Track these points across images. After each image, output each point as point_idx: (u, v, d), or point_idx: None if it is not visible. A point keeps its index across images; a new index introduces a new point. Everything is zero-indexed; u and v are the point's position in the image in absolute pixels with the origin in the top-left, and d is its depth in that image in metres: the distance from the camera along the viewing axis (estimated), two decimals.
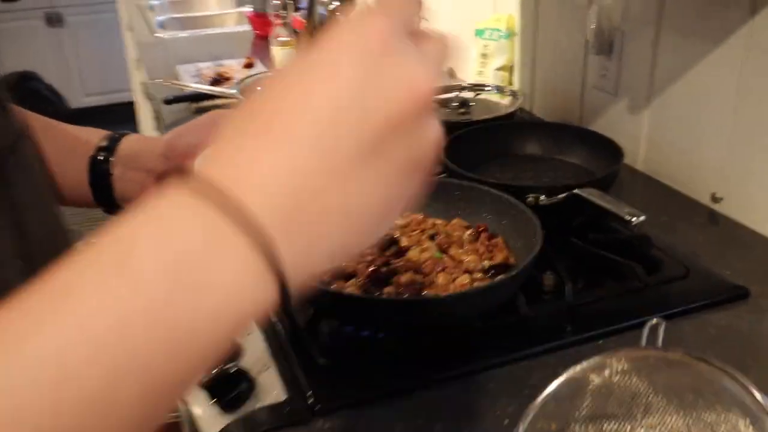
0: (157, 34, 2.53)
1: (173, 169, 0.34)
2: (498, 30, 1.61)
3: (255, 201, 0.30)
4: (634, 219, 0.83)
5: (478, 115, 1.36)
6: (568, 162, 1.22)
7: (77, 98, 4.69)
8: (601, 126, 1.37)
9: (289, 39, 1.84)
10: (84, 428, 0.27)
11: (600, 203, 0.89)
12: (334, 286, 0.90)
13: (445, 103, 1.43)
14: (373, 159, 0.32)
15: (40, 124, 0.70)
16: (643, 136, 1.27)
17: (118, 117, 4.34)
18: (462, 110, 1.39)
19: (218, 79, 1.89)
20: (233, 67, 2.02)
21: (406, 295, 0.86)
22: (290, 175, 0.31)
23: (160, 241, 0.29)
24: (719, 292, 0.91)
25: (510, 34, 1.60)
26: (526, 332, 0.86)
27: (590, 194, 0.92)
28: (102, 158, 0.71)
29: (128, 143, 0.73)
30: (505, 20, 1.60)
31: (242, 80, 1.33)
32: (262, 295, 0.31)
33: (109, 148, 0.72)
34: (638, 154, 1.28)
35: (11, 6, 4.35)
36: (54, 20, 4.45)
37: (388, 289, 0.88)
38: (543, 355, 0.83)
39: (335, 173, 0.32)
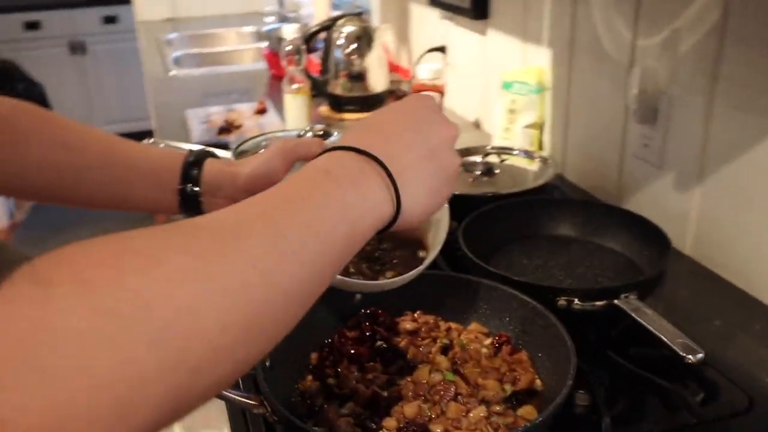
0: (171, 72, 2.43)
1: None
2: (527, 84, 1.46)
3: (388, 164, 0.53)
4: (690, 357, 0.68)
5: (504, 187, 1.22)
6: (605, 247, 1.07)
7: (98, 126, 4.64)
8: (642, 200, 1.22)
9: (302, 85, 1.71)
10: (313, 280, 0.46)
11: (648, 326, 0.74)
12: (325, 408, 0.76)
13: (468, 167, 1.29)
14: (429, 160, 0.57)
15: (106, 147, 0.80)
16: (693, 217, 1.11)
17: None
18: (485, 178, 1.25)
19: (226, 128, 1.77)
20: (244, 113, 1.90)
21: None
22: (400, 155, 0.55)
23: (343, 167, 0.52)
24: None
25: (541, 89, 1.46)
26: None
27: (635, 309, 0.78)
28: (189, 191, 0.81)
29: (211, 174, 0.82)
30: (536, 73, 1.46)
31: (237, 147, 1.20)
32: (387, 213, 0.53)
33: (195, 179, 0.81)
34: (686, 237, 1.13)
35: (36, 34, 4.32)
36: (77, 49, 4.40)
37: (388, 423, 0.73)
38: None
39: (416, 161, 0.56)
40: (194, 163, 0.82)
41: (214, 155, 0.85)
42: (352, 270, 0.83)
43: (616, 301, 0.80)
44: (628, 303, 0.79)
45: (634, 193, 1.25)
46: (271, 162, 0.82)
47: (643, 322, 0.74)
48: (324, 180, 0.50)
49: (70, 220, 2.96)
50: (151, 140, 1.28)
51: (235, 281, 0.39)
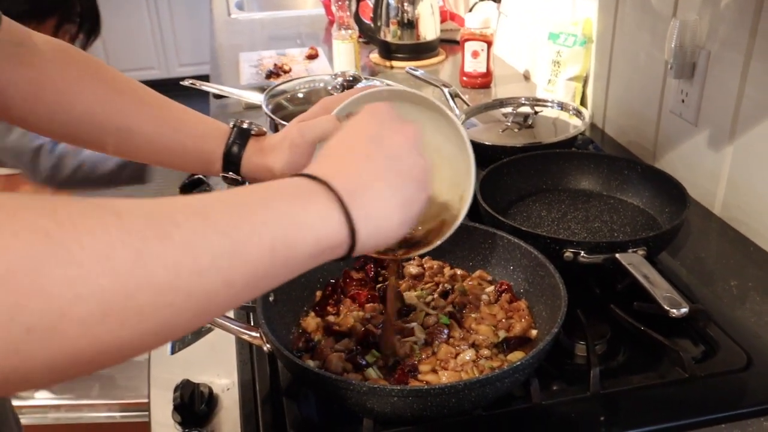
0: (232, 15, 2.47)
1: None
2: (573, 35, 1.43)
3: (337, 184, 0.52)
4: (674, 311, 0.67)
5: (533, 139, 1.21)
6: (628, 203, 1.05)
7: (173, 68, 4.79)
8: (676, 159, 1.19)
9: (351, 31, 1.72)
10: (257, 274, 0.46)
11: (639, 278, 0.74)
12: (321, 343, 0.79)
13: (500, 118, 1.28)
14: (392, 169, 0.56)
15: (158, 107, 0.82)
16: (724, 177, 1.08)
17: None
18: (516, 130, 1.24)
19: (275, 72, 1.80)
20: (295, 57, 1.92)
21: (397, 371, 0.74)
22: (357, 173, 0.54)
23: (283, 188, 0.51)
24: None
25: (586, 41, 1.42)
26: (537, 424, 0.73)
27: (631, 262, 0.77)
28: (232, 177, 0.84)
29: (248, 167, 0.83)
30: (582, 24, 1.42)
31: (269, 90, 1.21)
32: (333, 232, 0.50)
33: (235, 166, 0.83)
34: (716, 197, 1.10)
35: None
36: None
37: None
38: None
39: (377, 174, 0.55)
40: (234, 145, 0.83)
41: (249, 134, 0.84)
42: None
43: (616, 255, 0.80)
44: (628, 257, 0.78)
45: (669, 151, 1.22)
46: (297, 158, 0.79)
47: (636, 275, 0.74)
48: (259, 193, 0.50)
49: None
50: (188, 82, 1.32)
51: (118, 255, 0.39)
